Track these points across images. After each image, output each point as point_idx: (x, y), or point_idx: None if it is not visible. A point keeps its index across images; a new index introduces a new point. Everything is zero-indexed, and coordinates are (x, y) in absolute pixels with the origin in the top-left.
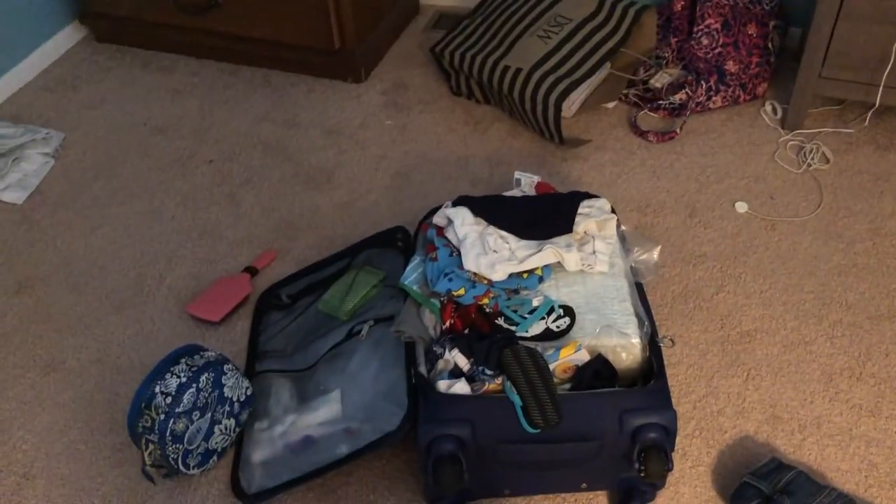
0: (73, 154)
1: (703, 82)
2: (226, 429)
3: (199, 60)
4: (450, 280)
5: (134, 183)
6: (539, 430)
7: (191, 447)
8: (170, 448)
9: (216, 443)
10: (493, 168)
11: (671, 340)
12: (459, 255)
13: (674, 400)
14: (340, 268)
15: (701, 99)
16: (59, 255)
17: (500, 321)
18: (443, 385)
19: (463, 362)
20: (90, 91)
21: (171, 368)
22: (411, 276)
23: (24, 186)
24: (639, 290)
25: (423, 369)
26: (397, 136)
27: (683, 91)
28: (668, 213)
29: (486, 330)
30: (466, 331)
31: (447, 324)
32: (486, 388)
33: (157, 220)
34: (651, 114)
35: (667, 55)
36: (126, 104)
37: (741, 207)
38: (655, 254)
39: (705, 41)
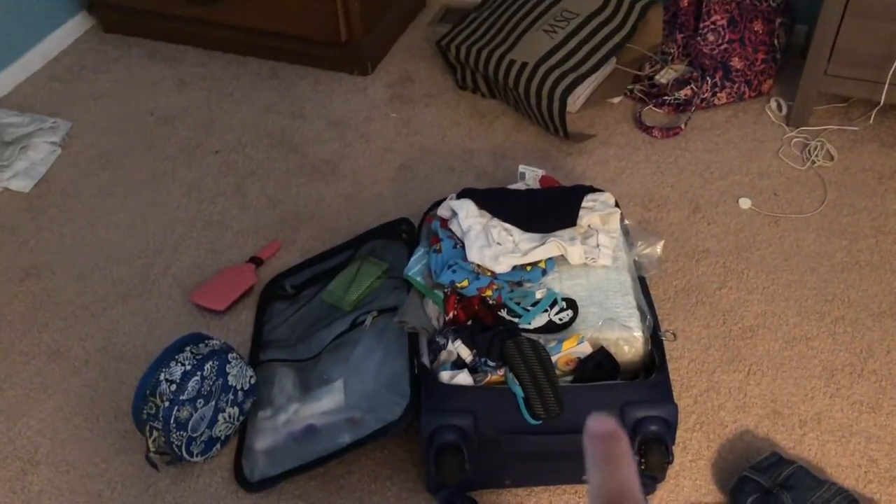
0: (80, 143)
1: (708, 78)
2: (229, 417)
3: (206, 51)
4: (453, 272)
5: (140, 173)
6: (540, 422)
7: (194, 434)
8: (174, 435)
9: (220, 431)
10: (497, 161)
11: (673, 334)
12: (463, 246)
13: (675, 394)
14: (344, 259)
15: (706, 95)
16: (65, 243)
17: (503, 313)
18: (445, 376)
19: (465, 353)
20: (97, 81)
21: (176, 356)
22: (415, 268)
23: (31, 175)
24: (641, 285)
25: (425, 360)
26: (402, 128)
27: (689, 87)
28: (671, 208)
29: (488, 321)
30: (469, 322)
31: (450, 315)
32: (488, 379)
33: (163, 209)
34: (656, 109)
35: (672, 51)
36: (133, 94)
37: (745, 203)
38: (658, 248)
39: (711, 37)
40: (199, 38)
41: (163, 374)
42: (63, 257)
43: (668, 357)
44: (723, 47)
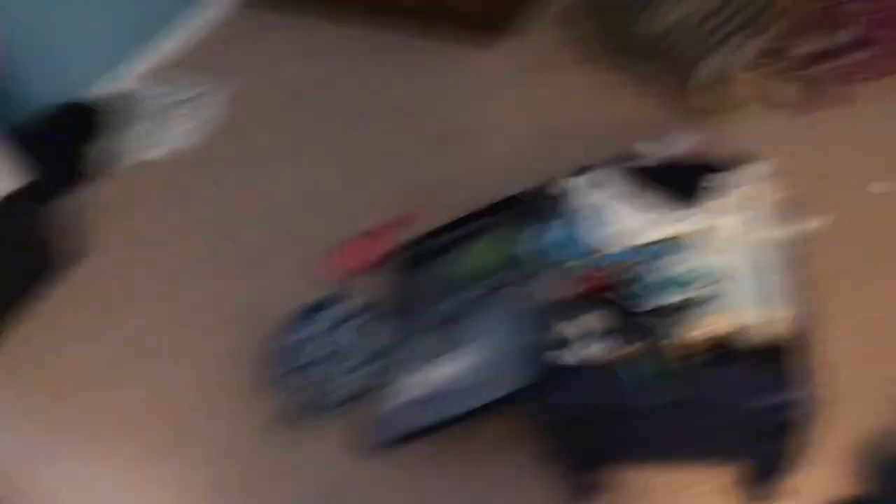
0: (219, 116)
1: (851, 52)
2: (361, 377)
3: (346, 25)
4: (578, 248)
5: (278, 143)
6: (667, 401)
7: (327, 393)
8: (306, 393)
9: (350, 390)
10: (625, 136)
11: (817, 317)
12: (587, 223)
13: (816, 380)
14: (472, 230)
15: (848, 69)
16: (208, 207)
17: (635, 289)
18: (574, 350)
19: (593, 329)
20: (238, 55)
21: (312, 317)
22: (540, 244)
23: (187, 139)
24: (789, 264)
25: (552, 334)
26: (531, 101)
27: (830, 60)
28: (832, 186)
29: (615, 299)
30: (597, 298)
31: (577, 291)
32: (615, 354)
33: (302, 177)
34: (794, 84)
35: (813, 23)
36: (273, 67)
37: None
38: (810, 226)
39: (854, 9)
40: (338, 10)
41: (298, 334)
42: (207, 220)
43: (812, 340)
44: (867, 19)
